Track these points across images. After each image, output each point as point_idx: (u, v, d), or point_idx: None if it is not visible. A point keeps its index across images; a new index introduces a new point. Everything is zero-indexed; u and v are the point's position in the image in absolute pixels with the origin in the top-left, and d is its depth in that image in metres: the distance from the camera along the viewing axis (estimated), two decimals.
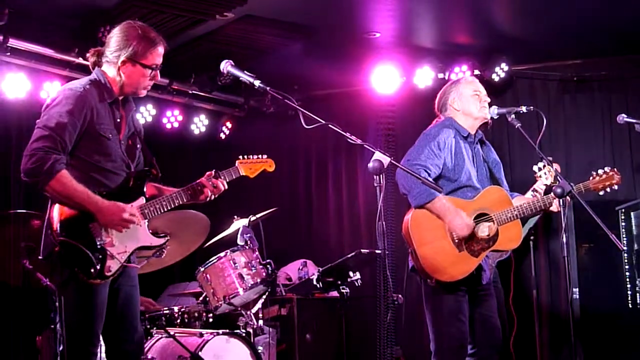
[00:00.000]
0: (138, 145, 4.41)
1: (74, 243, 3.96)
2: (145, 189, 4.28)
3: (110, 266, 4.04)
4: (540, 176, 5.25)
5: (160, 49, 4.30)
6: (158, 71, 4.31)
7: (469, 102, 5.21)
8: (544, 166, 5.22)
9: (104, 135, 4.13)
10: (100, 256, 4.01)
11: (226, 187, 4.48)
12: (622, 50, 7.79)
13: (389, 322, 4.92)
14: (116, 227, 4.06)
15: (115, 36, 4.26)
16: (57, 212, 4.00)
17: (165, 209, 4.29)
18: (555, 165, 4.98)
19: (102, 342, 4.25)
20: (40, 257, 4.10)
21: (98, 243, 4.03)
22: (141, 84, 4.29)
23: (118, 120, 4.26)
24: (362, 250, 6.63)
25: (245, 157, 4.72)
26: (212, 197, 4.44)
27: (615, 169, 5.13)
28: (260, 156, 4.78)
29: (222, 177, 4.48)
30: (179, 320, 6.17)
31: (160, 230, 4.40)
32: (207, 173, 4.45)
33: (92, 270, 3.98)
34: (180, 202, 4.35)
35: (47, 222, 4.03)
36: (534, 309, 7.78)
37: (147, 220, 4.24)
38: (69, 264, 3.97)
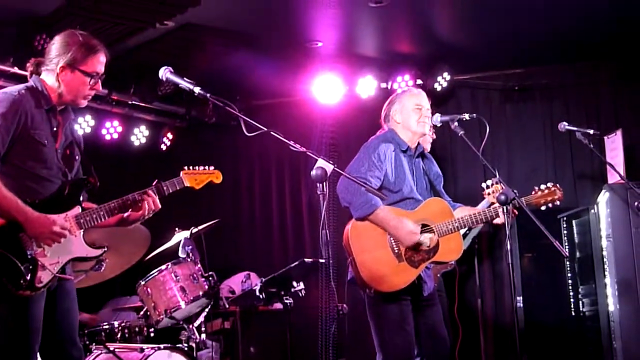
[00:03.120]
0: (77, 157, 4.26)
1: (1, 252, 3.79)
2: (82, 198, 4.12)
3: (42, 277, 3.86)
4: (488, 194, 5.20)
5: (102, 57, 4.17)
6: (100, 81, 4.18)
7: (409, 115, 5.15)
8: (492, 184, 5.17)
9: (39, 141, 3.96)
10: (31, 266, 3.84)
11: (159, 205, 4.29)
12: (562, 58, 7.89)
13: (333, 332, 4.86)
14: (45, 241, 3.89)
15: (55, 43, 4.13)
16: None
17: (103, 219, 4.13)
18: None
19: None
20: None
21: (28, 253, 3.86)
22: (81, 92, 4.13)
23: (55, 128, 4.11)
24: (306, 260, 6.58)
25: (191, 168, 4.54)
26: (148, 213, 4.26)
27: (558, 185, 5.09)
28: (206, 167, 4.61)
29: (166, 188, 4.32)
30: (119, 335, 6.05)
31: (98, 243, 4.22)
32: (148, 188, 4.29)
33: (22, 281, 3.81)
34: (118, 212, 4.19)
35: None
36: (478, 318, 7.80)
37: (82, 230, 4.08)
38: None
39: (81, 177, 4.24)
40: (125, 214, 4.27)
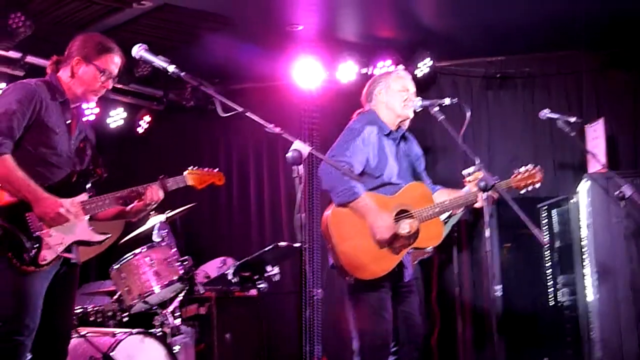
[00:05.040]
0: (88, 152, 4.47)
1: (9, 227, 4.00)
2: (88, 186, 4.31)
3: (46, 255, 4.07)
4: (469, 181, 5.13)
5: (117, 59, 4.40)
6: (111, 80, 4.40)
7: (394, 96, 5.11)
8: (473, 172, 5.10)
9: (52, 128, 4.21)
10: (36, 244, 4.05)
11: (161, 197, 4.52)
12: (545, 47, 7.86)
13: (308, 318, 4.82)
14: (50, 222, 4.08)
15: (76, 42, 4.40)
16: None
17: (108, 207, 4.35)
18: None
19: None
20: None
21: (35, 233, 4.06)
22: (91, 86, 4.35)
23: (68, 121, 4.34)
24: (280, 244, 6.48)
25: (195, 168, 4.74)
26: (151, 205, 4.50)
27: (539, 167, 5.04)
28: (210, 169, 4.83)
29: (169, 184, 4.54)
30: (91, 320, 5.96)
31: None
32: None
33: (26, 256, 4.01)
34: (123, 202, 4.41)
35: None
36: (456, 307, 7.76)
37: (88, 215, 4.28)
38: (3, 249, 3.99)
39: (89, 167, 4.44)
40: (128, 207, 4.48)
